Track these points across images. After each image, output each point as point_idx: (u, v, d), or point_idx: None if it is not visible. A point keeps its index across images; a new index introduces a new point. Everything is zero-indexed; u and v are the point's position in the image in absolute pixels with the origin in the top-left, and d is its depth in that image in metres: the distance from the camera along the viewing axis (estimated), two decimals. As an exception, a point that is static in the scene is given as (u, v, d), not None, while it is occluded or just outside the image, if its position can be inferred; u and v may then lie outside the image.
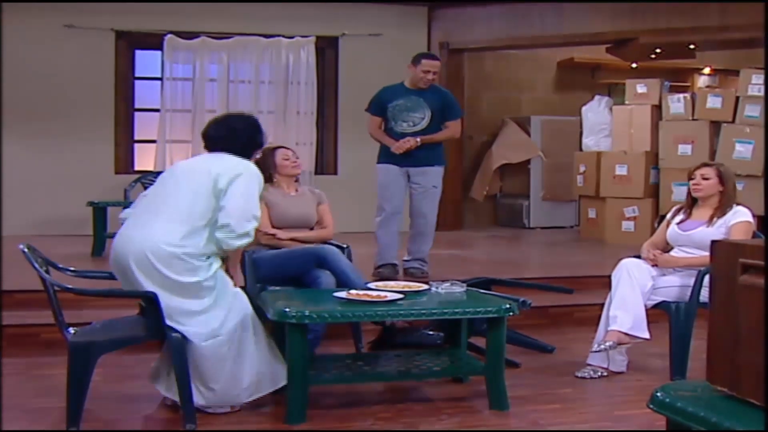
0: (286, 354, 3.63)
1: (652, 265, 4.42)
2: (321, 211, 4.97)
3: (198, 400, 3.53)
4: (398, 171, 5.84)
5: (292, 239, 4.74)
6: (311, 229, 4.89)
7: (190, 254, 3.45)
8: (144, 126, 9.31)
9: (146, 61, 9.35)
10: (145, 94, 9.35)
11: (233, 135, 3.79)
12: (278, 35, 9.22)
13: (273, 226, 4.72)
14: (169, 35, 8.95)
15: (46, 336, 4.61)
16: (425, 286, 4.15)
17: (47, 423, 3.54)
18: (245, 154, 3.78)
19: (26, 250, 3.50)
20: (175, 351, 3.48)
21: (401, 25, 9.38)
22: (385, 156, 5.89)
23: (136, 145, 9.31)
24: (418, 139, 5.75)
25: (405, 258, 5.95)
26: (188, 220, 3.50)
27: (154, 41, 9.02)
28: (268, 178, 4.92)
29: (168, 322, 3.46)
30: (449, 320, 4.27)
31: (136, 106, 9.32)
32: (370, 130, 6.01)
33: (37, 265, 3.49)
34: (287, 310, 3.55)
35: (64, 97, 8.76)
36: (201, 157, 3.87)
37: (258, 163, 4.97)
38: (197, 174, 3.63)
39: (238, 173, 3.58)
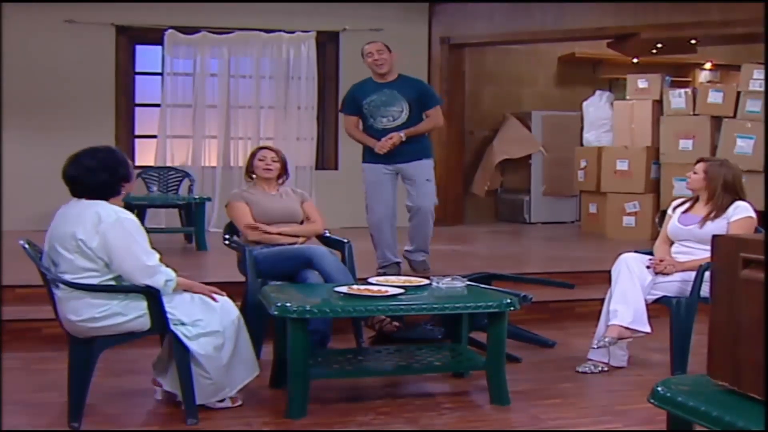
0: (287, 349, 3.63)
1: (656, 273, 4.39)
2: (307, 208, 4.98)
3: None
4: (387, 169, 5.68)
5: (280, 233, 4.75)
6: (300, 224, 4.91)
7: (97, 317, 3.41)
8: (145, 121, 9.31)
9: (147, 56, 9.34)
10: (145, 89, 9.34)
11: (89, 174, 3.47)
12: (279, 30, 9.20)
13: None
14: (170, 30, 8.94)
15: (47, 331, 4.60)
16: (426, 281, 4.15)
17: (49, 418, 3.55)
18: (109, 192, 3.50)
19: (26, 245, 3.50)
20: (176, 347, 3.49)
21: (402, 20, 9.37)
22: (371, 155, 5.70)
23: (137, 141, 9.31)
24: (402, 134, 5.57)
25: (407, 248, 5.89)
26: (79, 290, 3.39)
27: (154, 36, 9.01)
28: (251, 177, 4.96)
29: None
30: (450, 315, 4.27)
31: (137, 101, 9.32)
32: (348, 131, 5.85)
33: (37, 260, 3.49)
34: (288, 305, 3.55)
35: (65, 92, 8.75)
36: (62, 215, 3.51)
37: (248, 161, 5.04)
38: (64, 241, 3.40)
39: (102, 233, 3.35)
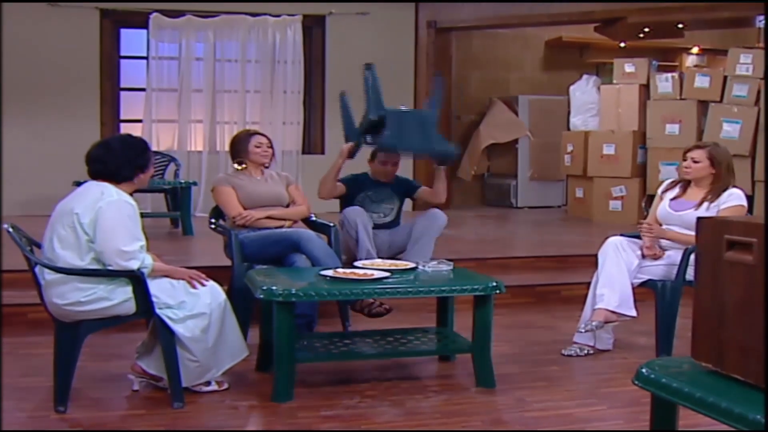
0: (273, 332, 3.63)
1: (642, 256, 4.41)
2: (292, 191, 4.97)
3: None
4: None
5: (268, 217, 4.74)
6: (286, 207, 4.90)
7: (83, 301, 3.42)
8: (130, 105, 9.26)
9: (132, 39, 9.27)
10: (130, 73, 9.29)
11: (107, 154, 3.56)
12: (265, 14, 9.15)
13: (244, 209, 4.72)
14: (155, 13, 8.88)
15: (32, 315, 4.59)
16: (412, 264, 4.15)
17: (35, 402, 3.54)
18: (123, 176, 3.55)
19: (11, 229, 3.48)
20: (162, 330, 3.48)
21: (388, 4, 9.32)
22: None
23: (122, 125, 9.24)
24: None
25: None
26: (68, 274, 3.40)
27: (139, 20, 8.94)
28: (239, 162, 4.92)
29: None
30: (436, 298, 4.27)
31: (122, 85, 9.26)
32: (327, 184, 5.10)
33: (22, 245, 3.48)
34: (274, 288, 3.55)
35: (49, 76, 8.68)
36: (70, 195, 3.58)
37: (231, 145, 4.99)
38: (63, 217, 3.45)
39: (97, 209, 3.39)
